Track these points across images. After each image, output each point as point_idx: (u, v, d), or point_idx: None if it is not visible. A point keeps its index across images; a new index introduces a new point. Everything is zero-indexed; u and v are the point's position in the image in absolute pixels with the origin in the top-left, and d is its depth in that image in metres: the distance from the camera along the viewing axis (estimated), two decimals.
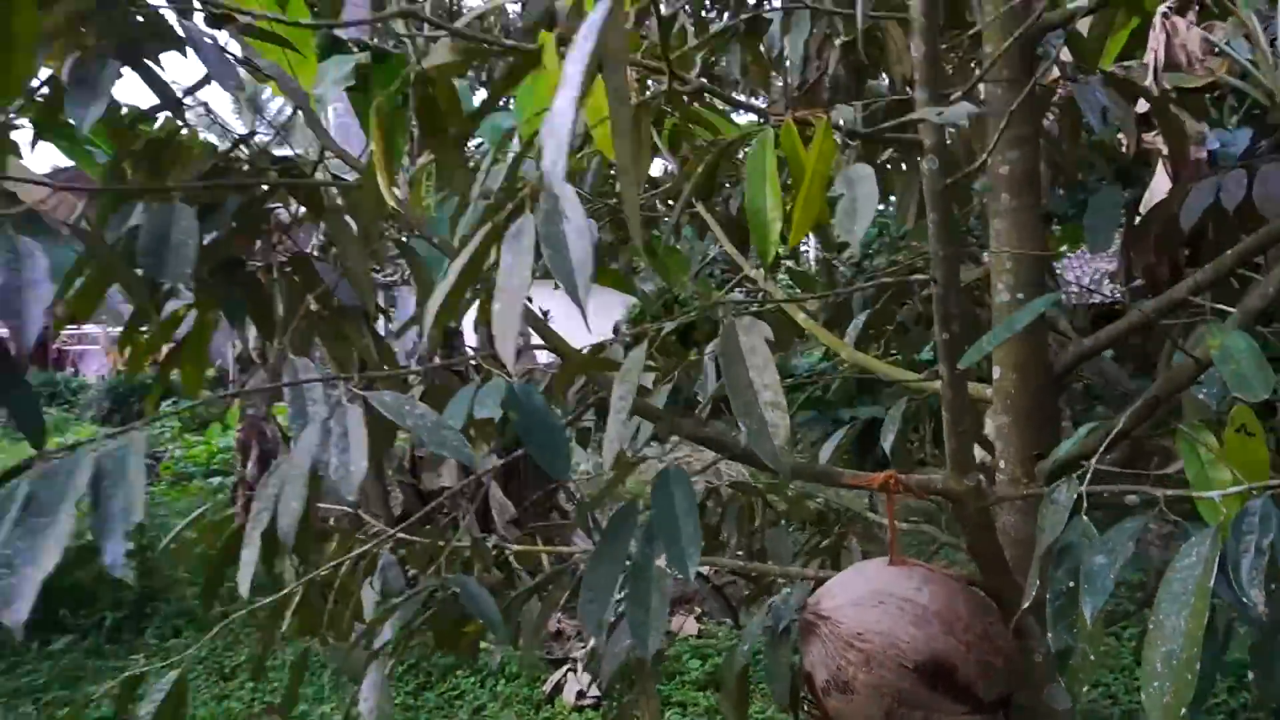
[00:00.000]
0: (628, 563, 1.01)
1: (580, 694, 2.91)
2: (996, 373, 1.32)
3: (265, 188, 1.30)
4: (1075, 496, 0.91)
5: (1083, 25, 1.42)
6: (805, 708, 1.36)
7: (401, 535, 1.61)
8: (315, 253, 1.52)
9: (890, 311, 1.78)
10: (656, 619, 0.93)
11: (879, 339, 1.83)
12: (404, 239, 1.34)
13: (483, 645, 3.15)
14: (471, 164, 1.33)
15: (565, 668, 3.06)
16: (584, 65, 0.50)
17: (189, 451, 7.59)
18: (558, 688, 2.98)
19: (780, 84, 1.83)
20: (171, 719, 1.11)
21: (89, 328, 13.46)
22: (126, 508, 0.82)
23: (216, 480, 6.75)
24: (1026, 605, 0.99)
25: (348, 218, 1.32)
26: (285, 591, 1.53)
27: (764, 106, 2.01)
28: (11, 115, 1.05)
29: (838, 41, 1.75)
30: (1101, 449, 0.97)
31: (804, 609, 1.15)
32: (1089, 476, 0.91)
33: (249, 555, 0.92)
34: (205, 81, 1.18)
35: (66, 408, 10.83)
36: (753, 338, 0.92)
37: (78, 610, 3.73)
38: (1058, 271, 2.75)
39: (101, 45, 0.98)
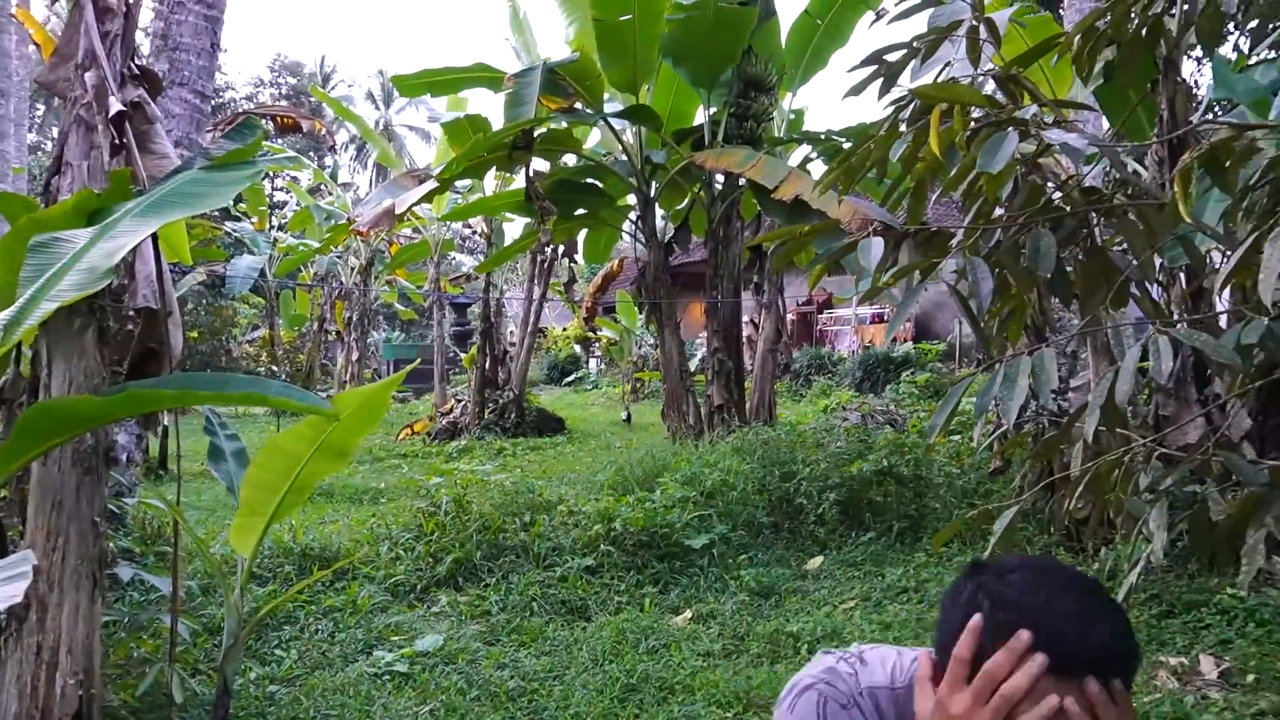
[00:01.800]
0: None
1: None
2: None
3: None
4: None
5: None
6: None
7: (1159, 446, 2.20)
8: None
9: None
10: None
11: None
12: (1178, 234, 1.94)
13: (1229, 590, 3.45)
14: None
15: None
16: None
17: (929, 415, 8.90)
18: None
19: None
20: None
21: (842, 311, 16.29)
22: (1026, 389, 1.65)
23: (956, 437, 7.88)
24: None
25: (1133, 219, 1.99)
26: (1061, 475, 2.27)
27: None
28: None
29: None
30: None
31: None
32: None
33: (1091, 423, 1.68)
34: None
35: (829, 376, 13.47)
36: None
37: (875, 518, 5.08)
38: None
39: None
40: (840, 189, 2.34)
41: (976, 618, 1.05)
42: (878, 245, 1.93)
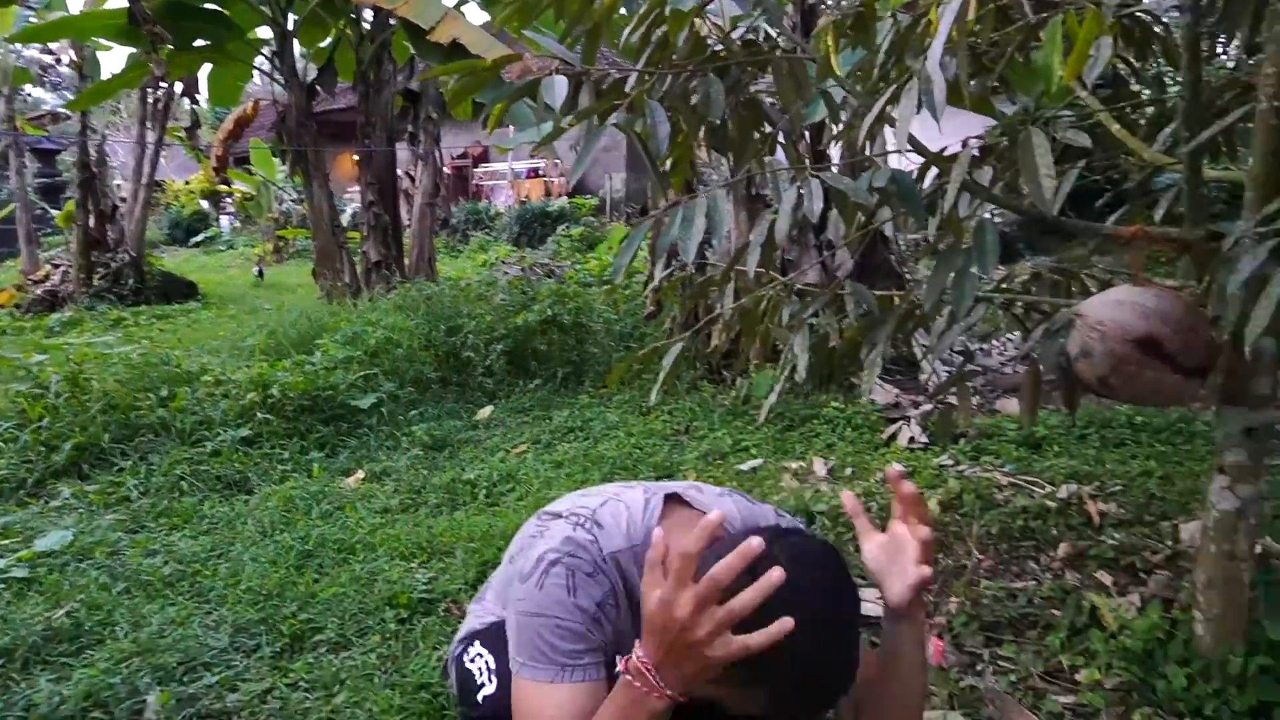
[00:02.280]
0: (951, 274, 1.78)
1: (911, 439, 3.76)
2: (1249, 161, 1.83)
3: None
4: (1246, 233, 1.50)
5: None
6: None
7: (799, 283, 2.50)
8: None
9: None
10: (968, 294, 1.71)
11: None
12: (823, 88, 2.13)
13: (833, 404, 4.09)
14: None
15: (900, 423, 3.93)
16: (952, 21, 1.24)
17: (585, 266, 9.27)
18: (893, 436, 3.86)
19: None
20: None
21: (497, 166, 16.09)
22: (704, 228, 1.76)
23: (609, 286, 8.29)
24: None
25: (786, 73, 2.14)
26: (713, 315, 2.51)
27: None
28: None
29: None
30: None
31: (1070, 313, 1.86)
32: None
33: (752, 260, 1.84)
34: None
35: (487, 231, 13.37)
36: (1039, 139, 1.62)
37: (540, 366, 5.27)
38: None
39: None
40: (514, 28, 2.24)
41: (756, 541, 1.02)
42: (560, 86, 1.89)
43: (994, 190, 2.15)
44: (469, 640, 1.58)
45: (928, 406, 4.10)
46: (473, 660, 1.51)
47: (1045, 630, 2.25)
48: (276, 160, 14.15)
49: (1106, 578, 2.49)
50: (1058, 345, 1.97)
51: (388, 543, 2.87)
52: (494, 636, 1.49)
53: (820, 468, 3.56)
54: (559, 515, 1.38)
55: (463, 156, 17.03)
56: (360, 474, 3.75)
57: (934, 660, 2.14)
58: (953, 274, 1.76)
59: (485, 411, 4.75)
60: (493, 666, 1.44)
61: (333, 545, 2.88)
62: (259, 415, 4.25)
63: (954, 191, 1.67)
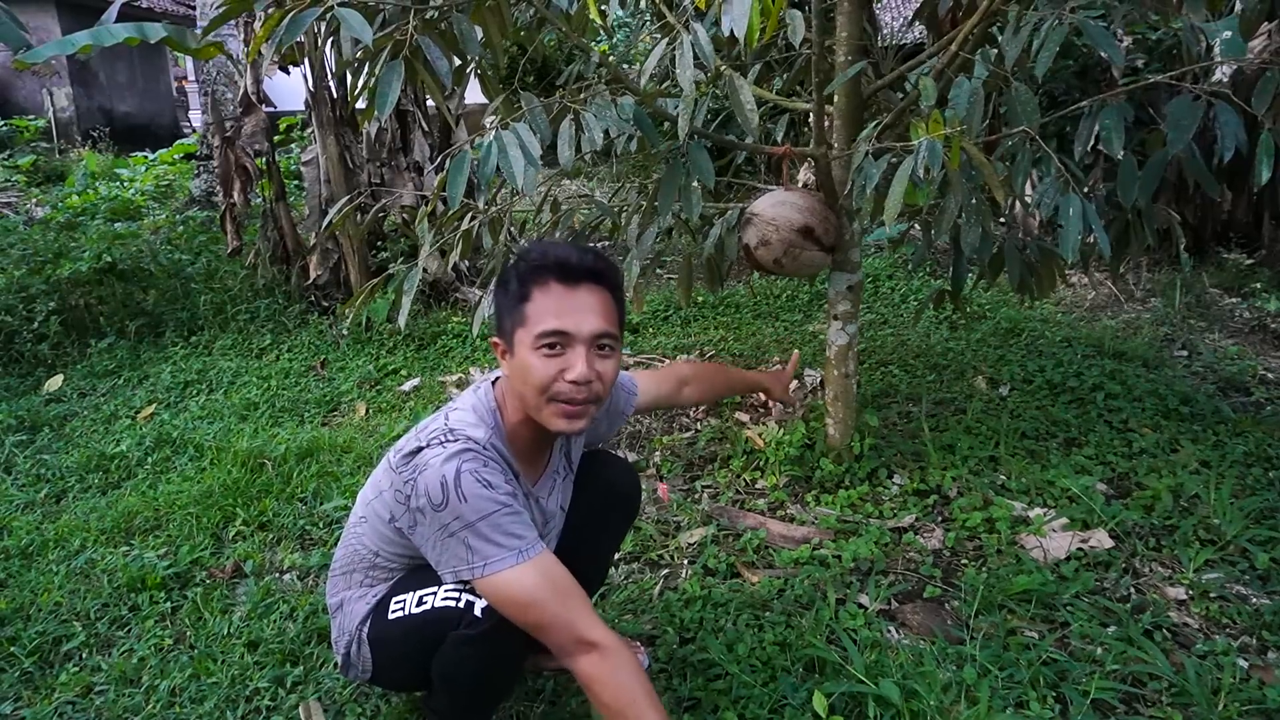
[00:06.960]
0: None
1: None
2: (836, 97, 2.57)
3: None
4: (866, 151, 2.19)
5: None
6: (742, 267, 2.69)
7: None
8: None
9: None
10: (697, 201, 2.18)
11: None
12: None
13: (454, 320, 4.36)
14: None
15: None
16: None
17: (67, 203, 7.77)
18: None
19: None
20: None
21: None
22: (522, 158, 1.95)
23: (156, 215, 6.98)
24: (841, 200, 2.31)
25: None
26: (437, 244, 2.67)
27: None
28: None
29: None
30: (879, 129, 2.26)
31: (743, 212, 2.45)
32: (872, 140, 2.19)
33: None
34: None
35: None
36: (742, 82, 2.12)
37: (108, 322, 4.58)
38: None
39: None
40: None
41: None
42: None
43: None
44: (377, 610, 1.52)
45: None
46: (411, 607, 1.46)
47: (725, 461, 2.94)
48: None
49: (744, 416, 3.27)
50: (734, 238, 2.57)
51: (74, 534, 2.49)
52: (402, 586, 1.51)
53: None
54: (419, 449, 1.40)
55: None
56: None
57: (664, 499, 2.69)
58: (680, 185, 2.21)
59: (55, 382, 4.04)
60: (451, 589, 1.43)
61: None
62: None
63: (685, 123, 2.10)
